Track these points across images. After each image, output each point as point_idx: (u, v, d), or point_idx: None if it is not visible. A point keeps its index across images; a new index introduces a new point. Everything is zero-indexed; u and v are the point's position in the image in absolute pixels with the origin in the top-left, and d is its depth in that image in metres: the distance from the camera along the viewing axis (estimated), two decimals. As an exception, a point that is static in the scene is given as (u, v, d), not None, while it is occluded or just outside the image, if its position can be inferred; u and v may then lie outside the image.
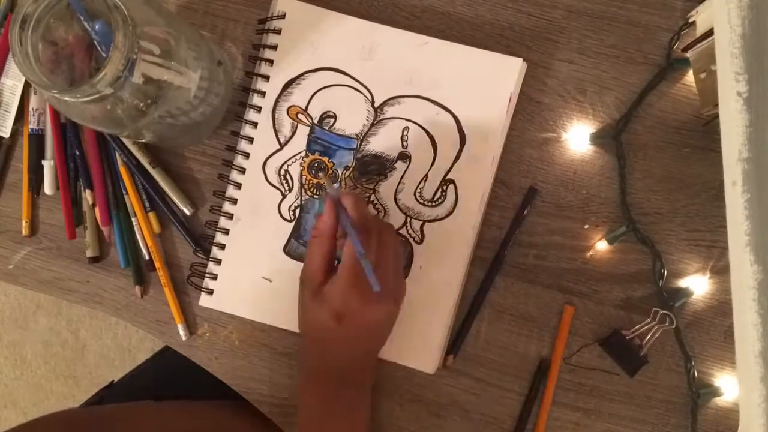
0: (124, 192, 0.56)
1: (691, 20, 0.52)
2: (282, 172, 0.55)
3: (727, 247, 0.36)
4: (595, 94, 0.54)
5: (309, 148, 0.55)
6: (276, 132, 0.55)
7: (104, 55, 0.42)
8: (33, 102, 0.57)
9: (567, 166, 0.54)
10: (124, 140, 0.56)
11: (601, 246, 0.54)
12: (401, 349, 0.54)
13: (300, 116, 0.55)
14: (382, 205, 0.55)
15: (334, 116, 0.55)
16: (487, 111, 0.53)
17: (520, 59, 0.53)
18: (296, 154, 0.55)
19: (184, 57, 0.45)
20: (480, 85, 0.53)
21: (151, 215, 0.56)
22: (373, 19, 0.54)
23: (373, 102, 0.54)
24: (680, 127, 0.54)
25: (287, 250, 0.55)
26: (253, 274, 0.55)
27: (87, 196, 0.56)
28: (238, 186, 0.55)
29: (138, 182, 0.56)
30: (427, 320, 0.54)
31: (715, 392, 0.53)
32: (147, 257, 0.56)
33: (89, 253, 0.57)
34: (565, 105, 0.54)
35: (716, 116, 0.43)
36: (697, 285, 0.53)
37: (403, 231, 0.55)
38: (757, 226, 0.34)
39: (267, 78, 0.55)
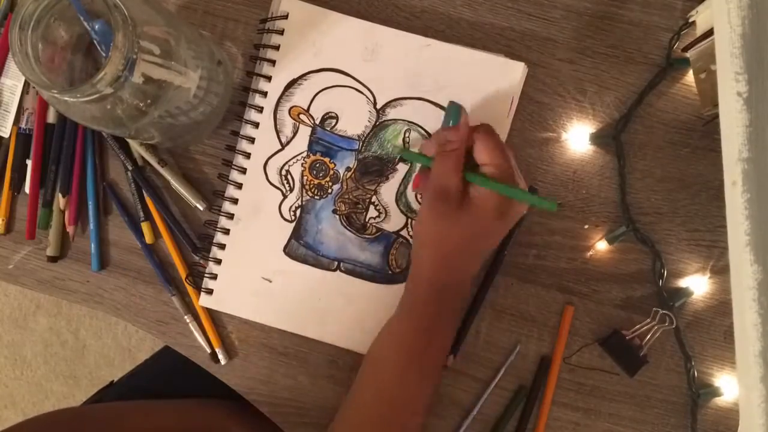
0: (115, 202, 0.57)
1: (691, 20, 0.52)
2: (283, 172, 0.55)
3: (727, 247, 0.36)
4: (595, 94, 0.54)
5: (310, 149, 0.55)
6: (277, 132, 0.55)
7: (104, 55, 0.42)
8: (25, 102, 0.57)
9: (567, 166, 0.54)
10: (130, 141, 0.56)
11: (601, 246, 0.54)
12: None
13: (302, 117, 0.55)
14: (383, 207, 0.55)
15: (336, 117, 0.55)
16: (489, 114, 0.53)
17: (523, 63, 0.53)
18: (297, 155, 0.55)
19: (184, 57, 0.45)
20: (482, 88, 0.53)
21: (145, 225, 0.56)
22: (373, 19, 0.54)
23: (375, 103, 0.54)
24: (680, 127, 0.54)
25: (287, 250, 0.55)
26: (253, 275, 0.55)
27: (59, 200, 0.57)
28: (239, 186, 0.55)
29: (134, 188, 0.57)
30: (427, 320, 0.54)
31: (715, 392, 0.53)
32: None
33: (49, 252, 0.57)
34: (565, 105, 0.54)
35: (716, 116, 0.43)
36: (697, 285, 0.53)
37: (404, 233, 0.55)
38: (757, 226, 0.34)
39: (269, 78, 0.55)
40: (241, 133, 0.55)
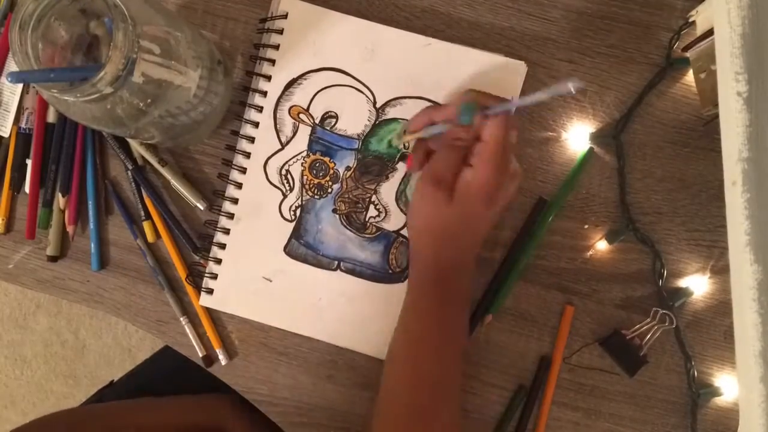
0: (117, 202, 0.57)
1: (691, 20, 0.52)
2: (283, 172, 0.55)
3: (727, 247, 0.36)
4: (595, 93, 0.54)
5: (310, 148, 0.55)
6: (277, 132, 0.55)
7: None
8: (25, 101, 0.57)
9: (567, 166, 0.54)
10: (130, 141, 0.56)
11: (601, 246, 0.54)
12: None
13: (301, 116, 0.55)
14: (383, 206, 0.55)
15: (336, 116, 0.55)
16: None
17: (523, 63, 0.53)
18: (297, 154, 0.55)
19: (184, 56, 0.45)
20: (483, 87, 0.53)
21: (146, 224, 0.56)
22: (373, 19, 0.54)
23: (374, 102, 0.54)
24: (680, 127, 0.54)
25: (287, 250, 0.55)
26: (254, 274, 0.55)
27: (59, 200, 0.57)
28: (239, 186, 0.55)
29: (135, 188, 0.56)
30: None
31: (715, 392, 0.53)
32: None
33: (49, 252, 0.57)
34: (565, 105, 0.54)
35: (716, 116, 0.43)
36: (697, 285, 0.53)
37: (404, 232, 0.55)
38: (757, 226, 0.34)
39: (269, 78, 0.55)
40: (241, 132, 0.55)
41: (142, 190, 0.56)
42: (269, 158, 0.55)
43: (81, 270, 0.58)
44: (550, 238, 0.54)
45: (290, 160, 0.55)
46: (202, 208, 0.56)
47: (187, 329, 0.56)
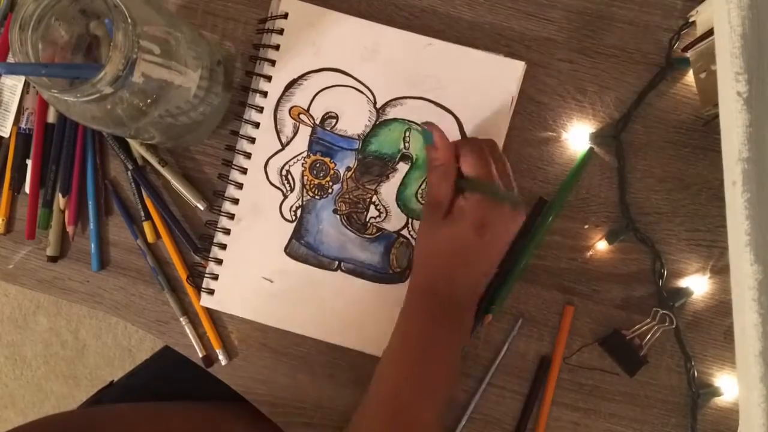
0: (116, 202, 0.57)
1: (691, 20, 0.52)
2: (283, 172, 0.55)
3: (727, 247, 0.36)
4: (595, 94, 0.54)
5: (311, 149, 0.55)
6: (278, 132, 0.55)
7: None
8: (25, 101, 0.57)
9: (567, 166, 0.54)
10: (130, 141, 0.56)
11: (601, 246, 0.54)
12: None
13: (302, 117, 0.55)
14: (383, 206, 0.55)
15: (336, 117, 0.55)
16: (489, 113, 0.53)
17: (522, 62, 0.53)
18: (298, 155, 0.55)
19: (184, 56, 0.45)
20: (482, 87, 0.53)
21: (146, 224, 0.56)
22: (373, 19, 0.54)
23: (375, 103, 0.54)
24: (680, 127, 0.54)
25: (288, 250, 0.55)
26: (255, 275, 0.55)
27: (59, 200, 0.57)
28: (240, 186, 0.55)
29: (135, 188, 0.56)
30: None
31: (715, 392, 0.53)
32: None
33: (49, 252, 0.57)
34: (565, 105, 0.54)
35: (716, 116, 0.43)
36: (697, 285, 0.53)
37: (404, 232, 0.55)
38: (757, 226, 0.34)
39: (269, 78, 0.55)
40: (241, 133, 0.55)
41: (142, 191, 0.56)
42: (270, 159, 0.55)
43: (81, 270, 0.58)
44: (550, 238, 0.54)
45: (291, 160, 0.55)
46: (202, 209, 0.56)
47: (187, 329, 0.56)
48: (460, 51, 0.53)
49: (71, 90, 0.39)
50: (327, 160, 0.55)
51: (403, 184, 0.55)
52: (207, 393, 0.67)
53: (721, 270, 0.53)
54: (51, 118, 0.57)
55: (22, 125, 0.57)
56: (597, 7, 0.54)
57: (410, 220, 0.55)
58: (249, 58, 0.56)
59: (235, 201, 0.55)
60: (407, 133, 0.54)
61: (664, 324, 0.53)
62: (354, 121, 0.55)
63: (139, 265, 0.57)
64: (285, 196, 0.55)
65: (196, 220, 0.57)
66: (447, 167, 0.50)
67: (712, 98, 0.50)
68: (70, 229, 0.57)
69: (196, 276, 0.56)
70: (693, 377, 0.53)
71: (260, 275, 0.55)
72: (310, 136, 0.55)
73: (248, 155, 0.55)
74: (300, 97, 0.55)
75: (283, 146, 0.55)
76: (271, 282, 0.55)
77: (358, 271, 0.55)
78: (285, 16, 0.54)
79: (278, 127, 0.55)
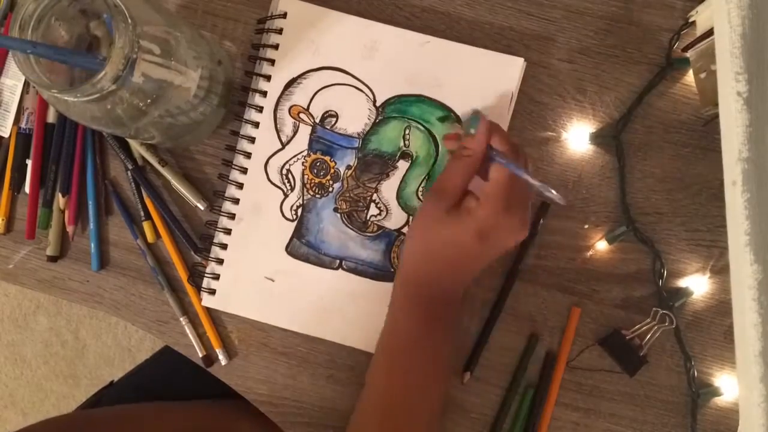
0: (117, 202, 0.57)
1: (691, 20, 0.52)
2: (284, 171, 0.55)
3: (727, 247, 0.36)
4: (595, 94, 0.54)
5: (311, 148, 0.55)
6: (278, 131, 0.55)
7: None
8: (25, 101, 0.57)
9: (567, 166, 0.54)
10: (130, 141, 0.56)
11: (601, 246, 0.54)
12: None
13: (302, 116, 0.55)
14: (384, 204, 0.55)
15: (336, 115, 0.55)
16: (489, 110, 0.53)
17: (521, 59, 0.53)
18: (298, 154, 0.55)
19: (184, 56, 0.45)
20: (481, 84, 0.53)
21: (146, 224, 0.56)
22: (373, 19, 0.54)
23: (374, 101, 0.54)
24: (680, 127, 0.54)
25: (289, 249, 0.55)
26: (256, 274, 0.55)
27: (59, 200, 0.57)
28: (240, 186, 0.55)
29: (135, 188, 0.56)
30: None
31: (715, 392, 0.53)
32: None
33: (49, 252, 0.57)
34: (565, 105, 0.54)
35: (716, 116, 0.43)
36: (697, 285, 0.53)
37: (405, 230, 0.55)
38: (757, 226, 0.34)
39: (268, 77, 0.55)
40: (241, 132, 0.55)
41: (142, 191, 0.56)
42: (270, 158, 0.55)
43: (81, 270, 0.58)
44: (550, 238, 0.54)
45: (291, 159, 0.55)
46: (202, 209, 0.56)
47: (187, 329, 0.56)
48: (460, 48, 0.53)
49: (71, 90, 0.39)
50: (327, 158, 0.55)
51: (403, 182, 0.55)
52: (207, 393, 0.67)
53: (721, 270, 0.53)
54: (51, 118, 0.57)
55: (22, 125, 0.57)
56: (597, 7, 0.54)
57: (411, 218, 0.55)
58: (248, 57, 0.56)
59: (236, 201, 0.55)
60: (407, 131, 0.54)
61: (664, 324, 0.53)
62: (354, 119, 0.55)
63: (139, 265, 0.57)
64: (285, 196, 0.55)
65: (196, 220, 0.57)
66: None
67: (712, 98, 0.50)
68: (70, 228, 0.57)
69: (197, 276, 0.56)
70: (693, 377, 0.53)
71: (262, 275, 0.55)
72: (310, 134, 0.55)
73: (248, 155, 0.55)
74: (300, 96, 0.55)
75: (283, 145, 0.55)
76: (273, 281, 0.55)
77: (360, 269, 0.55)
78: (284, 15, 0.54)
79: (278, 126, 0.55)
